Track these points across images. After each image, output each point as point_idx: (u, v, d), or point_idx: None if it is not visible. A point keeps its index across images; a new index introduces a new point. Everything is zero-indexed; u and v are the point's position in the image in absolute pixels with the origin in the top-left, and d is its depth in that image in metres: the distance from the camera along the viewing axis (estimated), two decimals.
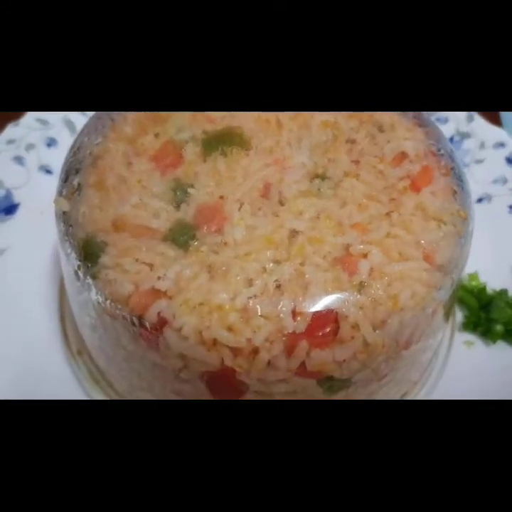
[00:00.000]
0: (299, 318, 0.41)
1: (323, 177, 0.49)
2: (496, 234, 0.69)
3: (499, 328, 0.60)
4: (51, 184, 0.71)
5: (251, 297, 0.41)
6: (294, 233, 0.45)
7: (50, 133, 0.74)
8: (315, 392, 0.43)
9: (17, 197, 0.69)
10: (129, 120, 0.53)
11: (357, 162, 0.50)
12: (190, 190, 0.47)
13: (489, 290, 0.64)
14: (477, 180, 0.73)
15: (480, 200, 0.72)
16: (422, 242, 0.45)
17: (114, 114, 0.54)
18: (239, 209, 0.46)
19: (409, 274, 0.44)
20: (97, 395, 0.55)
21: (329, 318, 0.41)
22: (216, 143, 0.51)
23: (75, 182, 0.48)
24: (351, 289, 0.42)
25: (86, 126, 0.54)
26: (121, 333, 0.44)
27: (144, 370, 0.46)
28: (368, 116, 0.54)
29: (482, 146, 0.76)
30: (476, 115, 0.77)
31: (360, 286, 0.42)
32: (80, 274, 0.45)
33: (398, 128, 0.53)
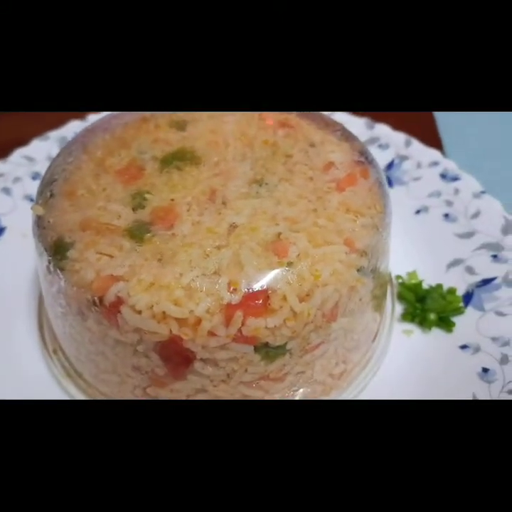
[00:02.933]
0: (234, 291, 0.48)
1: (261, 182, 0.57)
2: (433, 238, 0.77)
3: (433, 316, 0.67)
4: None
5: (194, 277, 0.49)
6: (233, 226, 0.53)
7: (35, 168, 0.84)
8: (254, 359, 0.50)
9: (4, 222, 0.77)
10: (100, 145, 0.62)
11: (291, 171, 0.59)
12: (147, 196, 0.56)
13: (426, 286, 0.71)
14: (415, 195, 0.82)
15: (418, 212, 0.80)
16: (342, 234, 0.53)
17: (87, 140, 0.63)
18: (188, 210, 0.55)
19: (331, 255, 0.51)
20: (69, 386, 0.61)
21: (261, 291, 0.49)
22: (172, 160, 0.60)
23: (49, 191, 0.57)
24: (280, 268, 0.50)
25: (61, 151, 0.63)
26: (87, 316, 0.51)
27: (107, 349, 0.52)
28: (303, 136, 0.64)
29: (419, 165, 0.85)
30: (413, 140, 0.87)
31: (288, 266, 0.50)
32: (51, 267, 0.52)
33: (327, 144, 0.63)
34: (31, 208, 0.56)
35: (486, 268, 0.71)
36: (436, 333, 0.67)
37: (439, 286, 0.71)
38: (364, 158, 0.62)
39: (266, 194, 0.56)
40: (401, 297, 0.71)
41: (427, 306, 0.68)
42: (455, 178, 0.81)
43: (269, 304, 0.48)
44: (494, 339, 0.63)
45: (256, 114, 0.67)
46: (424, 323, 0.67)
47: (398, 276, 0.72)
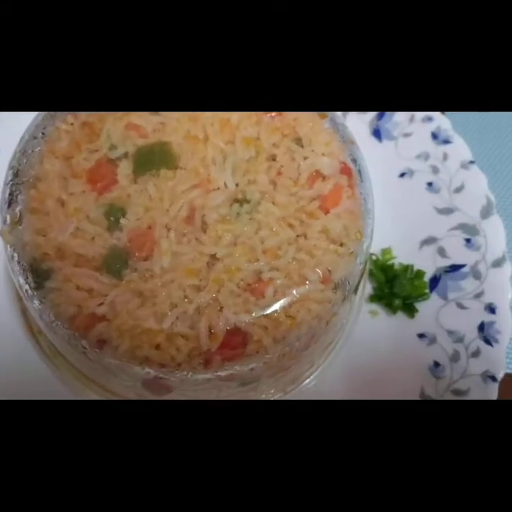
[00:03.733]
0: (213, 338, 0.51)
1: (242, 201, 0.55)
2: (412, 210, 0.76)
3: (398, 302, 0.71)
4: None
5: (174, 320, 0.51)
6: (213, 260, 0.53)
7: None
8: (230, 386, 0.55)
9: None
10: (63, 136, 0.56)
11: (274, 183, 0.56)
12: (122, 220, 0.53)
13: (397, 264, 0.74)
14: (402, 155, 0.79)
15: (402, 175, 0.78)
16: (320, 267, 0.53)
17: (48, 126, 0.57)
18: (166, 236, 0.53)
19: (307, 295, 0.53)
20: (60, 365, 0.66)
21: (238, 336, 0.51)
22: (147, 162, 0.56)
23: (17, 210, 0.53)
24: (257, 312, 0.52)
25: (20, 142, 0.57)
26: (68, 345, 0.53)
27: (94, 365, 0.56)
28: (290, 130, 0.58)
29: (412, 118, 0.80)
30: None
31: (265, 309, 0.52)
32: (28, 296, 0.53)
33: (315, 142, 0.58)
34: None
35: (457, 252, 0.73)
36: (400, 316, 0.72)
37: (410, 267, 0.73)
38: (353, 163, 0.58)
39: (246, 217, 0.55)
40: (372, 275, 0.74)
41: (395, 290, 0.72)
42: (446, 141, 0.78)
43: (246, 349, 0.52)
44: (450, 333, 0.69)
45: None
46: (389, 306, 0.72)
47: (372, 254, 0.74)
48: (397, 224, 0.76)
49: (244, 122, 0.58)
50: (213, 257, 0.53)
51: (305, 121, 0.59)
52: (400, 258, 0.74)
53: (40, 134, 0.56)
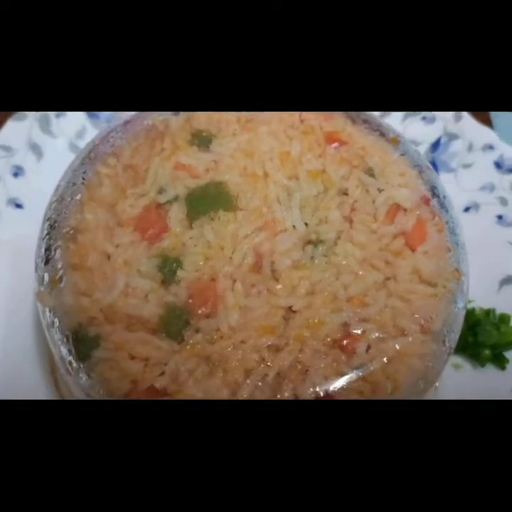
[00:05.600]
0: None
1: (315, 243, 0.47)
2: (484, 246, 0.68)
3: (487, 352, 0.62)
4: (23, 219, 0.68)
5: (251, 391, 0.41)
6: (289, 312, 0.44)
7: (15, 160, 0.69)
8: None
9: None
10: (105, 181, 0.49)
11: (350, 221, 0.49)
12: (179, 272, 0.45)
13: (477, 309, 0.65)
14: (464, 187, 0.72)
15: (467, 210, 0.71)
16: (418, 314, 0.45)
17: (87, 174, 0.50)
18: (232, 288, 0.45)
19: (406, 350, 0.44)
20: None
21: None
22: (202, 205, 0.49)
23: (58, 266, 0.45)
24: (350, 373, 0.42)
25: (57, 190, 0.50)
26: None
27: None
28: (359, 161, 0.52)
29: (470, 148, 0.73)
30: (464, 114, 0.74)
31: (359, 370, 0.43)
32: (72, 370, 0.44)
33: (389, 173, 0.51)
34: (36, 295, 0.45)
35: None
36: (489, 369, 0.62)
37: (492, 311, 0.64)
38: (435, 197, 0.51)
39: (323, 260, 0.46)
40: None
41: (480, 339, 0.62)
42: (511, 170, 0.71)
43: None
44: None
45: (296, 116, 0.54)
46: (476, 357, 0.62)
47: None
48: (469, 263, 0.68)
49: (306, 155, 0.51)
50: (289, 309, 0.44)
51: (374, 150, 0.53)
52: (478, 302, 0.66)
53: (80, 179, 0.49)
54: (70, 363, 0.44)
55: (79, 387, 0.43)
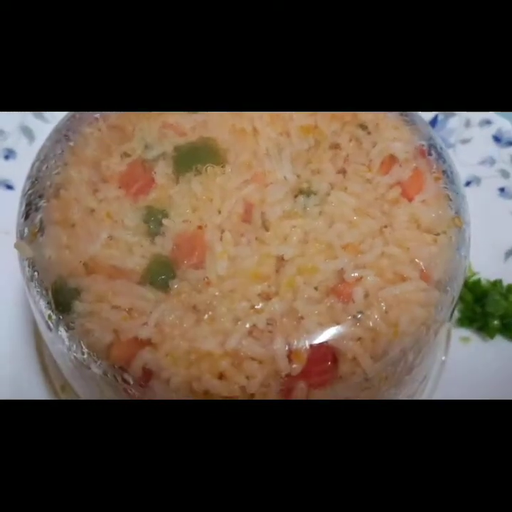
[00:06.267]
0: (294, 358, 0.38)
1: (308, 192, 0.45)
2: (487, 219, 0.66)
3: (496, 323, 0.59)
4: (14, 200, 0.67)
5: (241, 339, 0.39)
6: (281, 262, 0.42)
7: (7, 143, 0.68)
8: None
9: None
10: (90, 140, 0.48)
11: (343, 171, 0.47)
12: (164, 221, 0.43)
13: (483, 281, 0.62)
14: (464, 162, 0.70)
15: (468, 184, 0.69)
16: (418, 260, 0.42)
17: (72, 134, 0.49)
18: (220, 238, 0.43)
19: (407, 296, 0.41)
20: None
21: (326, 354, 0.39)
22: (189, 160, 0.47)
23: (37, 220, 0.44)
24: (347, 321, 0.40)
25: (41, 151, 0.48)
26: (104, 388, 0.41)
27: None
28: (351, 117, 0.50)
29: (468, 124, 0.72)
30: None
31: (357, 317, 0.40)
32: (52, 324, 0.41)
33: (383, 127, 0.49)
34: (15, 247, 0.43)
35: None
36: (499, 341, 0.59)
37: (498, 282, 0.61)
38: (433, 148, 0.49)
39: (316, 210, 0.44)
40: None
41: (488, 310, 0.59)
42: (511, 143, 0.69)
43: (338, 371, 0.39)
44: None
45: None
46: (484, 329, 0.59)
47: None
48: (473, 237, 0.66)
49: (296, 113, 0.50)
50: (281, 259, 0.42)
51: None
52: (484, 274, 0.63)
53: (64, 139, 0.48)
54: (50, 316, 0.41)
55: (60, 341, 0.41)
